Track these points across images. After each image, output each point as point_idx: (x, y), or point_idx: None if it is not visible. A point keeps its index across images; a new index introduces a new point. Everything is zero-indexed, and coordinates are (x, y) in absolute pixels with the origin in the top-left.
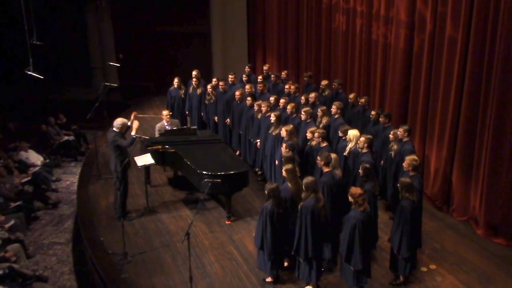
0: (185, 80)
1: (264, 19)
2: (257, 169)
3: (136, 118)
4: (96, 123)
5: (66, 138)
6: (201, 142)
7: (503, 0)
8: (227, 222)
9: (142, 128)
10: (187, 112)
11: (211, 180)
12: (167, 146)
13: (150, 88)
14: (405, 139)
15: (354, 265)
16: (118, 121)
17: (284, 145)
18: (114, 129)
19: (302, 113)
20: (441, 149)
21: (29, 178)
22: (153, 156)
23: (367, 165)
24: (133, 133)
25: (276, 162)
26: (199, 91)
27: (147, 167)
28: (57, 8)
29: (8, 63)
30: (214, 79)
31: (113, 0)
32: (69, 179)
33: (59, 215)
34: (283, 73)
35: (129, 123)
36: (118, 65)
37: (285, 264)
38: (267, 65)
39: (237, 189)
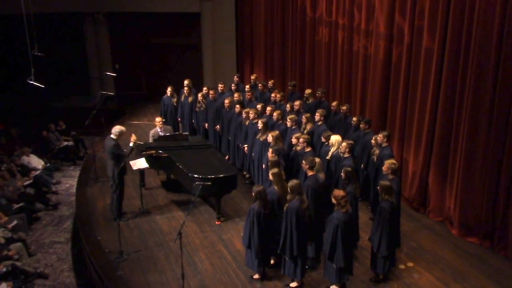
0: (178, 89)
1: (251, 31)
2: (245, 173)
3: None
4: (94, 130)
5: (65, 143)
6: (192, 147)
7: (476, 14)
8: (217, 223)
9: (137, 134)
10: (179, 119)
11: (202, 183)
12: (160, 151)
13: (144, 96)
14: (384, 144)
15: (337, 263)
16: (116, 129)
17: (270, 150)
18: (112, 136)
19: (288, 120)
20: (418, 153)
21: (31, 181)
22: (148, 161)
23: (349, 169)
24: (131, 144)
25: (263, 166)
26: (190, 99)
27: (141, 171)
28: (57, 21)
29: (11, 73)
30: (204, 88)
31: (110, 14)
32: (68, 182)
33: (59, 216)
34: (269, 83)
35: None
36: (115, 75)
37: (272, 261)
38: (255, 75)
39: (226, 192)
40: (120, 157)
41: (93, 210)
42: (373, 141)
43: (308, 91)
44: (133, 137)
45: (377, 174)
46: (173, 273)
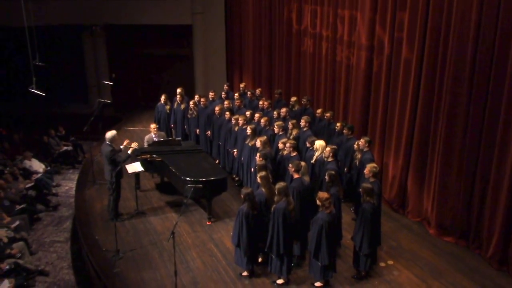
0: (171, 97)
1: (240, 42)
2: (234, 176)
3: (129, 144)
4: (92, 135)
5: (65, 148)
6: (184, 152)
7: (453, 27)
8: (207, 223)
9: (132, 140)
10: (172, 125)
11: (193, 185)
12: (154, 155)
13: (139, 103)
14: (365, 149)
15: (321, 260)
16: (108, 134)
17: (258, 154)
18: (107, 142)
19: (275, 126)
20: (398, 157)
21: (32, 183)
22: (143, 164)
23: (333, 172)
24: (129, 151)
25: (252, 169)
26: (182, 106)
27: (137, 174)
28: (57, 33)
29: (15, 82)
30: (196, 96)
31: (107, 26)
32: (67, 184)
33: (59, 216)
34: (257, 91)
35: (121, 147)
36: (111, 83)
37: (259, 259)
38: (243, 83)
39: (216, 194)
40: (117, 162)
41: (91, 211)
42: (355, 146)
43: (293, 98)
44: (134, 144)
45: (359, 177)
46: (166, 270)
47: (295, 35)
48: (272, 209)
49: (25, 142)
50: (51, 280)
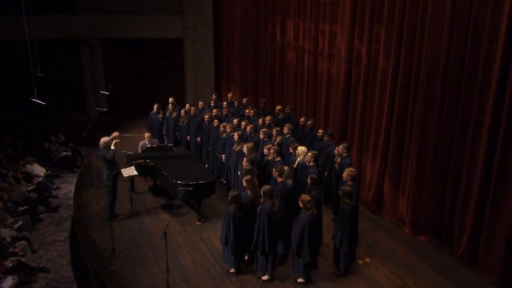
0: (163, 106)
1: (228, 54)
2: (222, 179)
3: (115, 138)
4: (90, 141)
5: (64, 153)
6: (176, 157)
7: (426, 40)
8: (197, 223)
9: (128, 146)
10: (164, 132)
11: (184, 188)
12: (148, 160)
13: (134, 112)
14: (344, 154)
15: (304, 258)
16: (101, 141)
17: (245, 159)
18: (101, 147)
19: (260, 133)
20: (375, 162)
21: (34, 186)
22: (137, 169)
23: (314, 176)
24: (112, 146)
25: (238, 173)
26: (174, 114)
27: (131, 178)
28: (57, 46)
29: (17, 92)
30: (187, 105)
31: (103, 40)
32: (67, 187)
33: (59, 217)
34: (244, 100)
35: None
36: (108, 93)
37: (246, 257)
38: (231, 93)
39: (206, 196)
40: (107, 159)
41: (89, 212)
42: (336, 151)
43: (278, 107)
44: (115, 133)
45: (338, 180)
46: (159, 267)
47: (279, 48)
48: (258, 210)
49: (27, 148)
50: (52, 276)
